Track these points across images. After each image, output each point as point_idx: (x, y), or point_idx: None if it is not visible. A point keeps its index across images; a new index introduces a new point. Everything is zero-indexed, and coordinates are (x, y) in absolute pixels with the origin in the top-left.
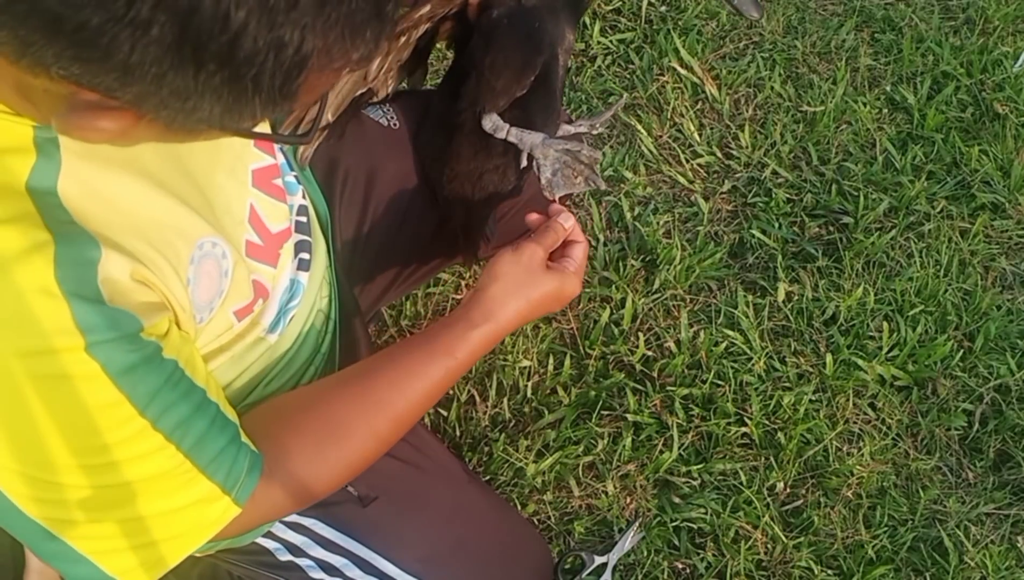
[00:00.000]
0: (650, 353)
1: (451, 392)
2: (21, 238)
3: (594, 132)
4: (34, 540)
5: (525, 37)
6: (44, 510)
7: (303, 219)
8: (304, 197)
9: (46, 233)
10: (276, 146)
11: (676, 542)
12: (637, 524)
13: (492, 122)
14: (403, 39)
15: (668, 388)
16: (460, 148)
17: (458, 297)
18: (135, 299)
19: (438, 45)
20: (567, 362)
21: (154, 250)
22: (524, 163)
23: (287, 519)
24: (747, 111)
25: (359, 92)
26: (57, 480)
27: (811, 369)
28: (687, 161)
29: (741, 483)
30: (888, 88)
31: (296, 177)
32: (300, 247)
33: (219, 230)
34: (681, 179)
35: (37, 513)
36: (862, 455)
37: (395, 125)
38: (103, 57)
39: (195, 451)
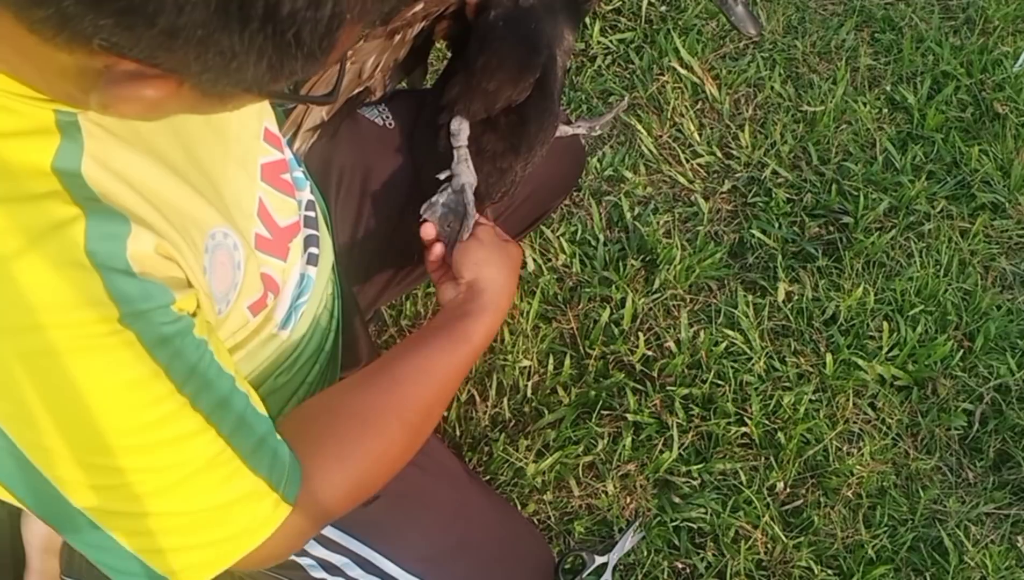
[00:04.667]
0: (650, 353)
1: None
2: (51, 213)
3: (593, 134)
4: (74, 529)
5: (521, 39)
6: (87, 497)
7: (311, 214)
8: (312, 192)
9: (76, 208)
10: (283, 141)
11: (676, 542)
12: (637, 524)
13: (458, 126)
14: (397, 37)
15: (668, 388)
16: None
17: None
18: (164, 273)
19: (438, 45)
20: (567, 362)
21: (175, 232)
22: (442, 176)
23: None
24: (747, 111)
25: (355, 91)
26: (106, 462)
27: (811, 369)
28: (687, 161)
29: (741, 483)
30: (888, 88)
31: (304, 172)
32: (309, 242)
33: (229, 221)
34: (681, 179)
35: (81, 500)
36: (862, 455)
37: (390, 125)
38: (148, 23)
39: (235, 438)
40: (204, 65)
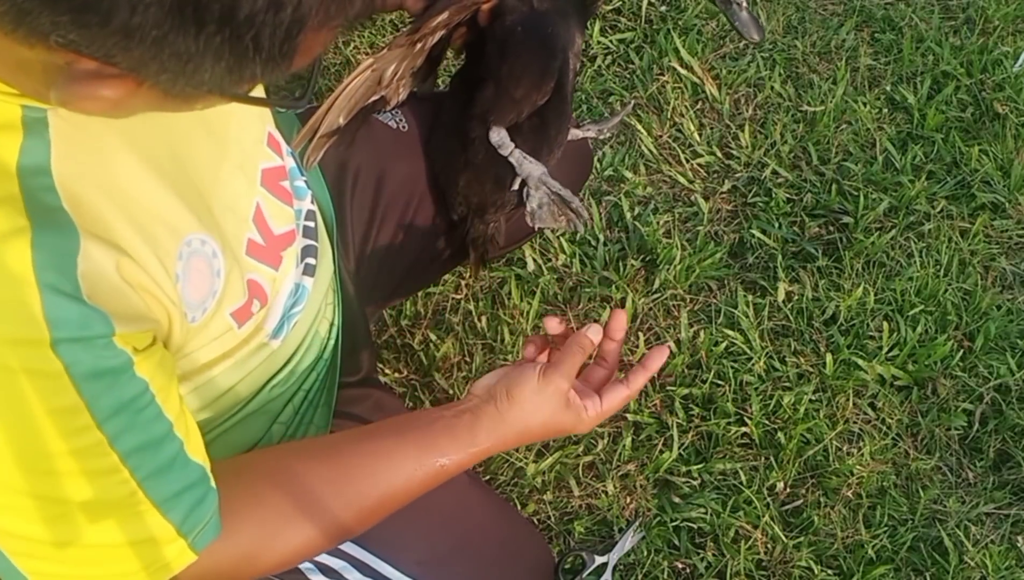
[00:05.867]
0: None
1: (450, 391)
2: (1, 222)
3: (601, 137)
4: None
5: (540, 44)
6: None
7: (311, 224)
8: (312, 202)
9: (24, 219)
10: (285, 150)
11: (676, 542)
12: (637, 524)
13: (499, 137)
14: (419, 46)
15: (668, 388)
16: (478, 166)
17: (458, 297)
18: (115, 300)
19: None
20: None
21: (141, 240)
22: (516, 186)
23: None
24: (747, 111)
25: (372, 100)
26: (7, 482)
27: (811, 369)
28: (687, 161)
29: (741, 483)
30: (888, 88)
31: (306, 182)
32: (307, 252)
33: (211, 228)
34: (681, 179)
35: None
36: (862, 455)
37: (404, 127)
38: (103, 21)
39: (151, 482)
40: (161, 66)
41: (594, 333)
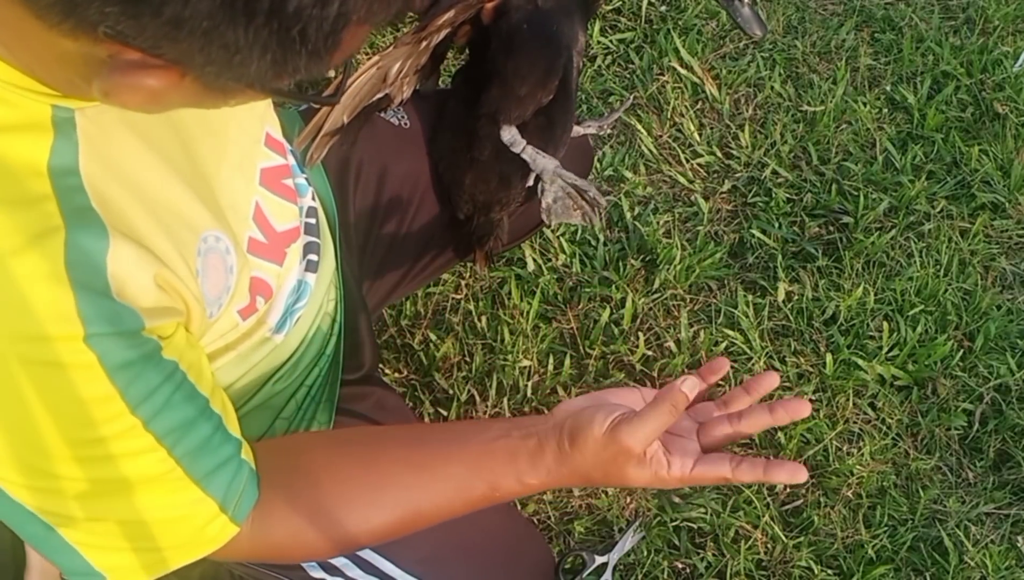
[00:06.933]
0: (650, 353)
1: (450, 391)
2: (35, 222)
3: (602, 133)
4: (30, 531)
5: (545, 42)
6: (38, 500)
7: (312, 221)
8: (314, 199)
9: (58, 219)
10: (286, 147)
11: (676, 542)
12: (637, 524)
13: (510, 135)
14: (424, 44)
15: None
16: (484, 164)
17: (458, 297)
18: (143, 297)
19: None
20: (567, 362)
21: (165, 237)
22: (531, 182)
23: None
24: (747, 111)
25: (376, 97)
26: (49, 469)
27: (811, 369)
28: (687, 161)
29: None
30: (888, 88)
31: (307, 179)
32: (309, 249)
33: (223, 225)
34: (681, 179)
35: (32, 502)
36: (862, 455)
37: (406, 124)
38: (155, 12)
39: (189, 459)
40: (208, 58)
41: (689, 386)
